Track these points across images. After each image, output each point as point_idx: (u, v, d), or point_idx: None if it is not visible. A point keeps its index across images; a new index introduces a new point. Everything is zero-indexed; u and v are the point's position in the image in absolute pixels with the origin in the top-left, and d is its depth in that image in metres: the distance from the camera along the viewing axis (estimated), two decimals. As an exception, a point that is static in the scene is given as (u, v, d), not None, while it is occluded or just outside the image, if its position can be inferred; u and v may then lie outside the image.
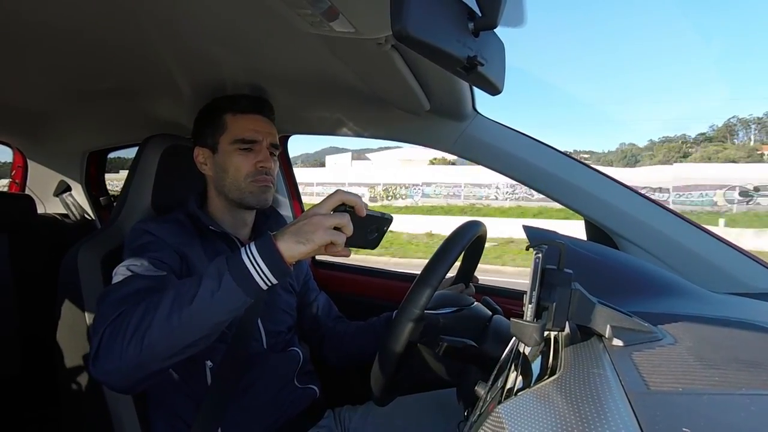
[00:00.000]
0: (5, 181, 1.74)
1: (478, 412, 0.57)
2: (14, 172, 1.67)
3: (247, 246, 0.63)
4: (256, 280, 0.61)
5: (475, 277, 1.05)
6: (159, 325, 0.62)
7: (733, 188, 17.61)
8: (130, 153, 1.62)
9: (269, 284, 0.62)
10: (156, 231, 0.85)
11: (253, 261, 0.61)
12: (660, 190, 18.82)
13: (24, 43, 0.76)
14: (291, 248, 0.61)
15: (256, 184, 0.91)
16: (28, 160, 1.64)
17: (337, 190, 0.64)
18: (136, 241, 0.83)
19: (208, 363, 0.85)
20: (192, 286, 0.62)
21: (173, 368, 0.87)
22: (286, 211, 1.52)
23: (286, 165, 1.53)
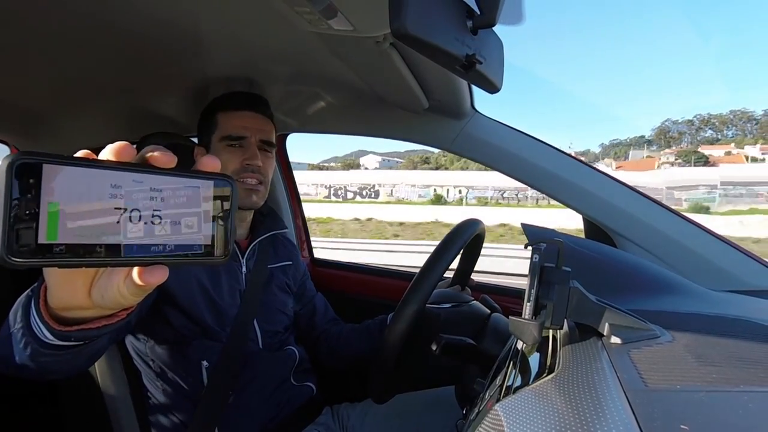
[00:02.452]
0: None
1: (477, 410, 0.57)
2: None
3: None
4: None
5: (472, 279, 1.05)
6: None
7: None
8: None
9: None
10: None
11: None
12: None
13: (21, 40, 0.76)
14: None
15: (242, 185, 0.90)
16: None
17: None
18: None
19: (204, 363, 0.86)
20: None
21: (170, 368, 0.87)
22: (286, 211, 1.52)
23: (285, 164, 1.52)
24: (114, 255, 0.28)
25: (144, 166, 0.30)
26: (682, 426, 0.31)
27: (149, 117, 1.21)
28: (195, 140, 1.06)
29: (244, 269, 0.96)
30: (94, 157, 0.29)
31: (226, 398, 0.86)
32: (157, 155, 0.30)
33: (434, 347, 0.73)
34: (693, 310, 0.63)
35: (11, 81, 0.98)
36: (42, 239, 0.26)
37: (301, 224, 1.59)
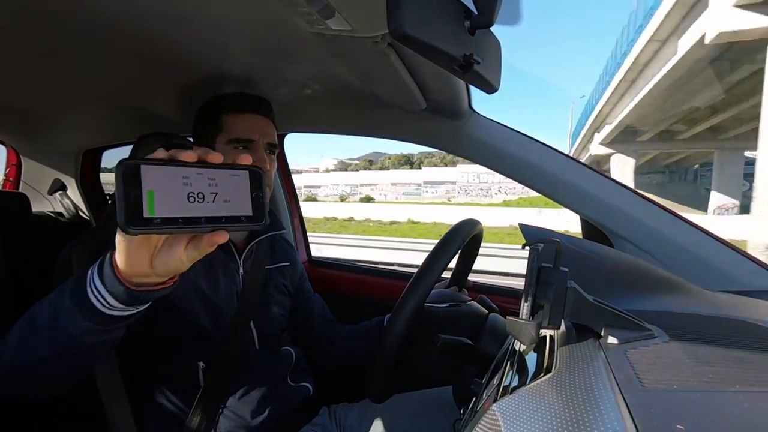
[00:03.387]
0: None
1: (474, 410, 0.57)
2: (8, 169, 1.65)
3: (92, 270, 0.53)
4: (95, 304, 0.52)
5: (469, 281, 1.05)
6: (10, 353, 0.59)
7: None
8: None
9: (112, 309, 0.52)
10: None
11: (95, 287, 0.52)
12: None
13: (19, 40, 0.76)
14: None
15: None
16: (23, 158, 1.62)
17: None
18: None
19: (201, 364, 0.85)
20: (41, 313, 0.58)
21: (166, 369, 0.87)
22: (284, 211, 1.51)
23: (283, 164, 1.52)
24: (192, 224, 0.41)
25: (202, 164, 0.42)
26: (678, 426, 0.31)
27: (147, 117, 1.21)
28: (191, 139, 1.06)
29: (241, 270, 0.95)
30: (172, 158, 0.41)
31: (222, 399, 0.86)
32: (210, 156, 0.43)
33: (432, 347, 0.73)
34: (690, 311, 0.63)
35: (11, 81, 0.98)
36: (146, 214, 0.38)
37: (299, 225, 1.59)
